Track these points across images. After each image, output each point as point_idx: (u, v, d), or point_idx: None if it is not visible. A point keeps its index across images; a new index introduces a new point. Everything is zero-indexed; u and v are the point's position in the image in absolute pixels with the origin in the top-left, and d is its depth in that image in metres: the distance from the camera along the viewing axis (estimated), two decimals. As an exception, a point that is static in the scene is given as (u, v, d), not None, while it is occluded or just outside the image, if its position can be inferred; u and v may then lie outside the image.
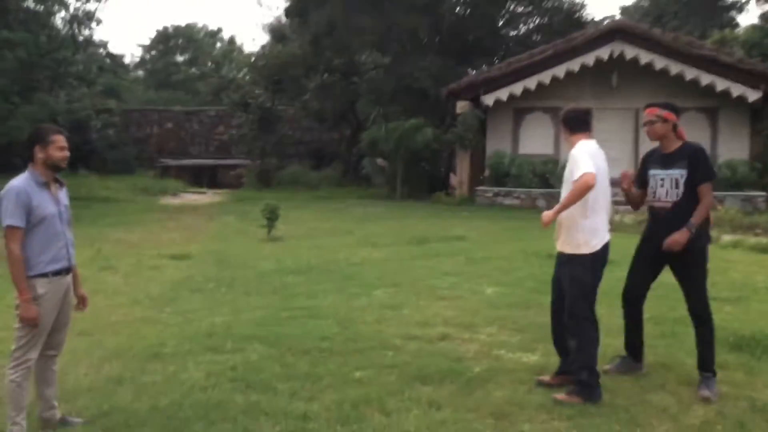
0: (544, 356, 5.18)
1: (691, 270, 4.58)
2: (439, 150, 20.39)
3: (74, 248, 4.11)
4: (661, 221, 4.63)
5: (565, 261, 4.54)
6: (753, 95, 16.76)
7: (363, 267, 9.09)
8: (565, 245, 4.53)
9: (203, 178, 26.47)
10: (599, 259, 4.47)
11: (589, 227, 4.44)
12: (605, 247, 4.49)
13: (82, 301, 4.23)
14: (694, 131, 17.56)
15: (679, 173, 4.54)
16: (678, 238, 4.42)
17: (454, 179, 20.19)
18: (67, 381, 4.69)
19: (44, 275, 3.86)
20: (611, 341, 5.49)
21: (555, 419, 4.10)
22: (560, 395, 4.38)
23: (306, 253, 10.36)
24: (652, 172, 4.72)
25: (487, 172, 18.50)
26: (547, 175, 17.69)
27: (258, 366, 4.96)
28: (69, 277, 4.06)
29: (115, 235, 12.67)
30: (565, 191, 4.48)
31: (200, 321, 6.36)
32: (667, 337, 5.60)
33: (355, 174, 23.78)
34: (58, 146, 3.92)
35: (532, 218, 14.85)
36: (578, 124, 4.64)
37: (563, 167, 16.74)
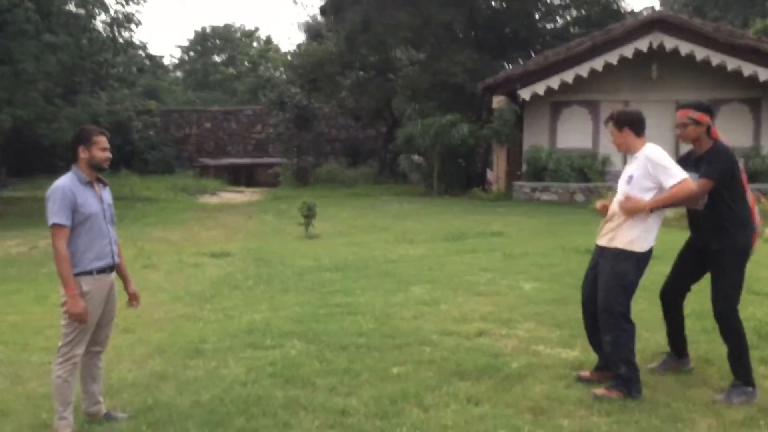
0: (583, 352, 5.14)
1: (722, 272, 4.43)
2: (476, 145, 20.29)
3: (118, 246, 4.20)
4: (695, 225, 4.59)
5: (611, 256, 4.44)
6: (797, 85, 16.35)
7: (400, 263, 9.11)
8: (615, 240, 4.44)
9: (241, 176, 26.76)
10: (647, 258, 4.43)
11: (648, 225, 4.39)
12: (652, 248, 4.45)
13: (134, 298, 4.35)
14: (737, 123, 17.24)
15: None
16: (626, 201, 4.34)
17: (490, 175, 20.08)
18: (111, 377, 4.81)
19: (89, 273, 3.95)
20: (651, 336, 5.44)
21: (594, 415, 4.08)
22: (600, 390, 4.35)
23: (343, 250, 10.41)
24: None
25: (524, 167, 18.36)
26: (585, 169, 17.48)
27: (297, 361, 5.01)
28: (113, 275, 4.16)
29: (157, 234, 12.89)
30: (623, 191, 4.46)
31: (240, 318, 6.45)
32: (708, 333, 5.50)
33: (392, 171, 23.80)
34: (101, 147, 4.02)
35: (570, 213, 14.76)
36: (642, 127, 4.56)
37: (602, 161, 16.49)
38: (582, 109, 18.40)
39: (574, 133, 18.37)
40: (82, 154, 4.00)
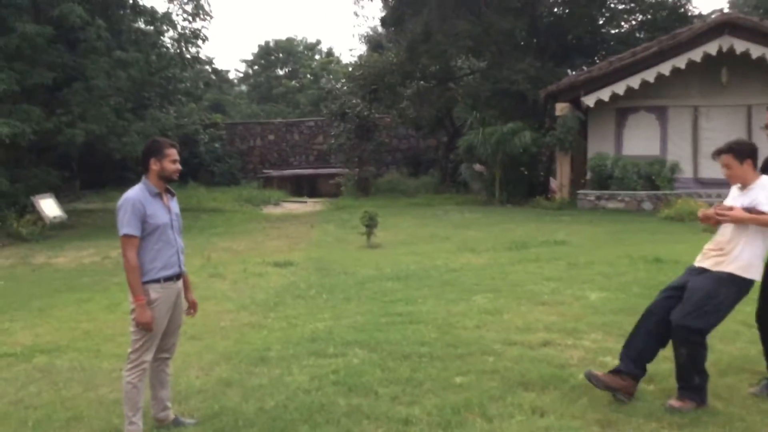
0: (653, 363, 4.97)
1: None
2: (538, 153, 20.03)
3: (184, 255, 4.30)
4: None
5: (714, 278, 4.27)
6: None
7: (462, 273, 9.04)
8: (723, 265, 4.28)
9: (303, 187, 27.09)
10: (750, 288, 4.31)
11: (759, 252, 4.27)
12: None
13: (193, 306, 4.42)
14: (813, 126, 16.49)
15: None
16: (730, 211, 4.20)
17: (554, 183, 19.79)
18: (179, 383, 4.92)
19: (157, 281, 4.05)
20: (724, 347, 5.26)
21: (665, 428, 3.95)
22: (674, 401, 4.23)
23: (404, 259, 10.41)
24: None
25: (588, 175, 18.02)
26: (653, 176, 17.02)
27: (359, 370, 5.02)
28: (180, 283, 4.24)
29: (223, 244, 13.16)
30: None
31: (303, 326, 6.52)
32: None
33: (453, 180, 23.69)
34: (172, 159, 4.13)
35: (637, 221, 14.40)
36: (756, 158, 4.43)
37: (671, 168, 16.00)
38: (649, 114, 17.96)
39: (641, 140, 17.93)
40: (154, 165, 4.11)
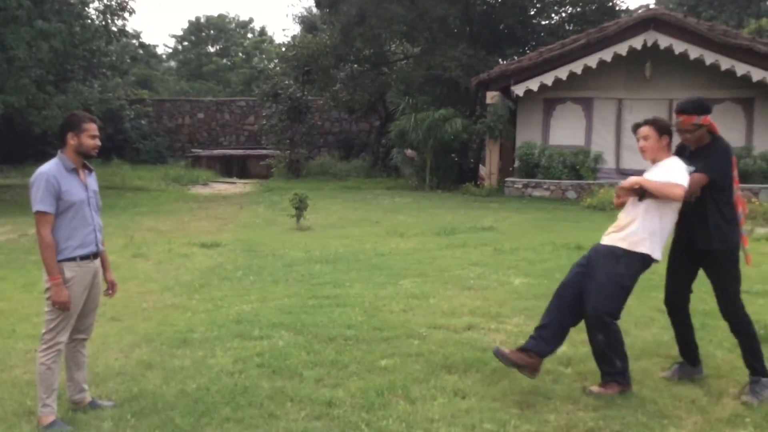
0: (571, 347, 5.15)
1: (717, 271, 4.41)
2: (469, 141, 20.28)
3: (102, 233, 4.17)
4: (682, 221, 4.44)
5: (612, 256, 4.37)
6: (790, 86, 16.39)
7: (390, 257, 9.10)
8: (621, 241, 4.39)
9: (233, 168, 26.68)
10: (648, 264, 4.42)
11: (656, 230, 4.37)
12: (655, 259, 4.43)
13: (111, 287, 4.30)
14: (730, 122, 17.25)
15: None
16: (625, 181, 4.37)
17: (483, 170, 20.08)
18: (97, 365, 4.79)
19: (72, 259, 3.92)
20: (639, 332, 5.46)
21: (581, 410, 4.08)
22: (595, 388, 4.35)
23: (334, 242, 10.40)
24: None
25: (516, 163, 18.36)
26: (577, 166, 17.48)
27: (285, 352, 5.00)
28: (97, 262, 4.12)
29: (147, 224, 12.84)
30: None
31: (229, 308, 6.43)
32: (697, 330, 5.49)
33: (384, 165, 23.77)
34: (91, 134, 3.98)
35: (561, 209, 14.78)
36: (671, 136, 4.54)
37: (594, 158, 16.44)
38: (575, 106, 18.39)
39: (567, 130, 18.36)
40: (71, 140, 3.96)
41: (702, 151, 4.39)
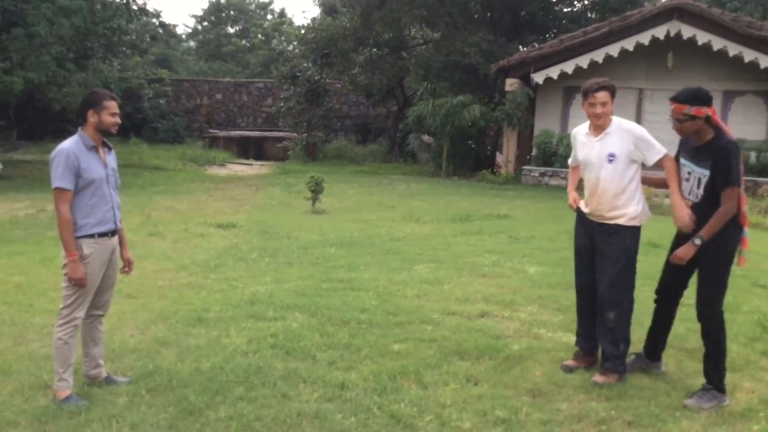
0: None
1: (707, 270, 4.18)
2: (487, 128, 20.16)
3: (120, 211, 4.19)
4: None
5: (619, 233, 4.40)
6: (814, 79, 16.16)
7: (405, 242, 9.10)
8: (620, 218, 4.41)
9: (250, 149, 26.71)
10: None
11: (640, 197, 4.46)
12: None
13: (128, 264, 4.32)
14: (751, 115, 17.07)
15: (701, 173, 4.14)
16: (681, 254, 4.13)
17: (500, 158, 19.98)
18: (113, 341, 4.84)
19: (91, 236, 3.95)
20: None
21: (593, 400, 4.08)
22: (597, 377, 4.34)
23: (349, 226, 10.41)
24: (682, 160, 4.34)
25: (534, 152, 18.26)
26: (595, 155, 17.36)
27: (298, 334, 5.02)
28: (115, 239, 4.15)
29: (164, 203, 12.91)
30: (607, 169, 4.45)
31: (243, 288, 6.47)
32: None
33: (401, 150, 23.70)
34: (111, 112, 3.99)
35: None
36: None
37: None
38: (595, 95, 18.22)
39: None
40: (91, 117, 3.98)
41: (706, 150, 4.12)
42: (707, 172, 4.10)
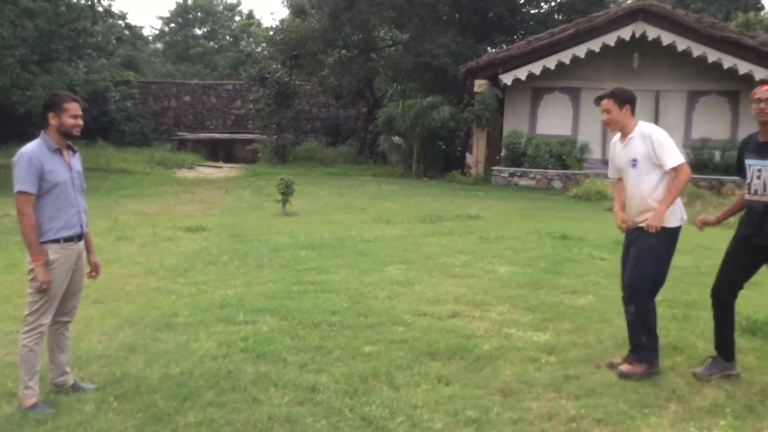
0: (555, 335, 5.19)
1: None
2: (456, 128, 20.27)
3: (86, 215, 4.14)
4: (757, 218, 4.25)
5: (644, 233, 4.48)
6: (776, 79, 16.50)
7: (376, 243, 9.10)
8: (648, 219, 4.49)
9: (219, 152, 26.49)
10: (677, 233, 4.54)
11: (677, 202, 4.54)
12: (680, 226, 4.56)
13: (95, 269, 4.26)
14: (715, 115, 17.40)
15: None
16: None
17: (470, 158, 20.09)
18: (80, 347, 4.76)
19: (56, 241, 3.90)
20: (622, 322, 5.49)
21: (563, 398, 4.11)
22: (625, 367, 4.45)
23: (319, 228, 10.38)
24: (748, 161, 4.32)
25: (503, 152, 18.39)
26: (563, 156, 17.55)
27: (269, 338, 4.99)
28: (81, 244, 4.09)
29: (132, 207, 12.76)
30: (632, 174, 4.53)
31: (213, 292, 6.41)
32: (679, 320, 5.58)
33: (371, 151, 23.71)
34: (72, 114, 3.93)
35: (547, 199, 14.83)
36: (635, 106, 4.62)
37: (581, 148, 16.48)
38: (563, 95, 18.44)
39: (554, 120, 18.42)
40: (52, 120, 3.92)
41: None
42: None
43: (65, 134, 3.96)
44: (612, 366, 4.57)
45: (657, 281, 4.55)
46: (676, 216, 4.50)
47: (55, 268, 3.87)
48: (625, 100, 4.54)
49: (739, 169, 4.48)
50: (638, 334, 4.49)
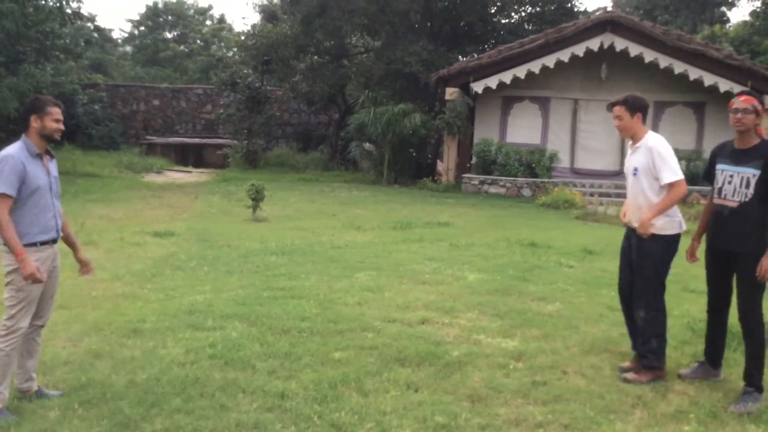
0: (523, 342, 5.23)
1: (747, 274, 4.23)
2: (427, 136, 20.36)
3: (62, 219, 4.16)
4: (724, 222, 4.35)
5: (645, 240, 4.57)
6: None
7: (346, 250, 9.09)
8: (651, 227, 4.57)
9: (189, 156, 26.26)
10: (677, 240, 4.63)
11: (670, 210, 4.59)
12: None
13: (86, 265, 4.32)
14: (681, 126, 17.72)
15: (752, 172, 4.21)
16: (765, 264, 4.13)
17: (440, 166, 20.19)
18: (44, 353, 4.67)
19: (34, 245, 3.91)
20: (589, 329, 5.55)
21: (530, 404, 4.15)
22: (630, 375, 4.54)
23: (290, 234, 10.35)
24: (720, 167, 4.41)
25: (473, 160, 18.52)
26: (533, 164, 17.73)
27: (237, 344, 4.96)
28: (56, 247, 4.11)
29: (98, 211, 12.58)
30: (632, 183, 4.66)
31: (181, 298, 6.35)
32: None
33: (342, 158, 23.72)
34: (54, 118, 3.98)
35: (516, 207, 14.97)
36: (646, 112, 4.70)
37: (550, 157, 16.72)
38: (532, 105, 18.63)
39: (524, 129, 18.59)
40: (35, 123, 3.94)
41: (753, 152, 4.26)
42: (758, 172, 4.20)
43: (46, 138, 3.99)
44: (623, 370, 4.67)
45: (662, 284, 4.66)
46: (674, 224, 4.60)
47: (33, 271, 3.85)
48: (637, 107, 4.63)
49: (708, 174, 4.58)
50: (649, 338, 4.56)
